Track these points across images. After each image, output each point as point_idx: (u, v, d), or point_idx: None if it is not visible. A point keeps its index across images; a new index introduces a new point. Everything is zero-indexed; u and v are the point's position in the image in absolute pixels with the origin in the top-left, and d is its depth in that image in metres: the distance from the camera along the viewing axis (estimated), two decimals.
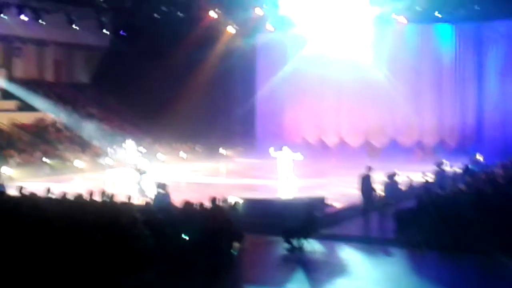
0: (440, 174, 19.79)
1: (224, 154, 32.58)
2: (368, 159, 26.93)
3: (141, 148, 25.81)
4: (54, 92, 34.63)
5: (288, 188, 21.18)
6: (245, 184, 23.39)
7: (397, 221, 15.67)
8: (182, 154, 32.19)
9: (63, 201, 14.22)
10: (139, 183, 18.71)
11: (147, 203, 14.97)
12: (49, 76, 36.52)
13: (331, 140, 33.47)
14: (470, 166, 20.34)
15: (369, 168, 17.33)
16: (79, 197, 14.22)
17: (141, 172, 18.84)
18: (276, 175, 22.08)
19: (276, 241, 14.26)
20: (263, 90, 33.93)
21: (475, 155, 21.94)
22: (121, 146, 26.81)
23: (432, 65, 31.55)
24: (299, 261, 13.35)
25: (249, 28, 32.69)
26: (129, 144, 25.28)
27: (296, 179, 21.70)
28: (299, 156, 21.87)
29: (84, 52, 37.50)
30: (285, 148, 22.17)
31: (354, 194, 17.83)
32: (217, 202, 13.50)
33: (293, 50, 32.74)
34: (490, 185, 16.50)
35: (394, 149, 30.91)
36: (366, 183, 17.31)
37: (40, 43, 34.93)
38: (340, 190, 20.22)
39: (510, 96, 29.48)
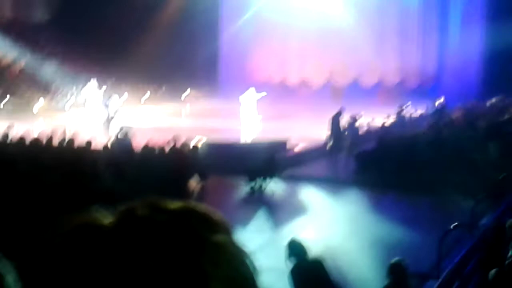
0: (401, 116, 20.18)
1: (187, 95, 32.37)
2: (330, 100, 27.18)
3: (104, 88, 25.45)
4: (12, 31, 33.74)
5: (250, 131, 21.25)
6: (207, 127, 23.32)
7: (357, 162, 15.98)
8: (145, 95, 31.92)
9: (21, 143, 14.04)
10: (103, 123, 18.60)
11: (106, 146, 14.89)
12: (7, 14, 35.52)
13: (294, 81, 33.54)
14: (430, 110, 20.72)
15: (341, 108, 17.90)
16: (38, 139, 14.06)
17: (107, 112, 18.75)
18: (239, 118, 22.21)
19: (237, 182, 14.40)
20: (227, 33, 33.67)
21: (436, 98, 22.33)
22: (83, 87, 26.46)
23: (397, 10, 31.76)
24: (260, 200, 13.54)
25: None
26: (93, 84, 25.01)
27: (259, 121, 21.88)
28: (262, 94, 22.44)
29: None
30: (251, 89, 22.66)
31: (317, 136, 18.05)
32: (177, 145, 13.51)
33: None
34: (448, 128, 16.87)
35: (356, 90, 31.12)
36: (335, 122, 17.70)
37: None
38: (303, 132, 20.30)
39: (470, 43, 29.81)
